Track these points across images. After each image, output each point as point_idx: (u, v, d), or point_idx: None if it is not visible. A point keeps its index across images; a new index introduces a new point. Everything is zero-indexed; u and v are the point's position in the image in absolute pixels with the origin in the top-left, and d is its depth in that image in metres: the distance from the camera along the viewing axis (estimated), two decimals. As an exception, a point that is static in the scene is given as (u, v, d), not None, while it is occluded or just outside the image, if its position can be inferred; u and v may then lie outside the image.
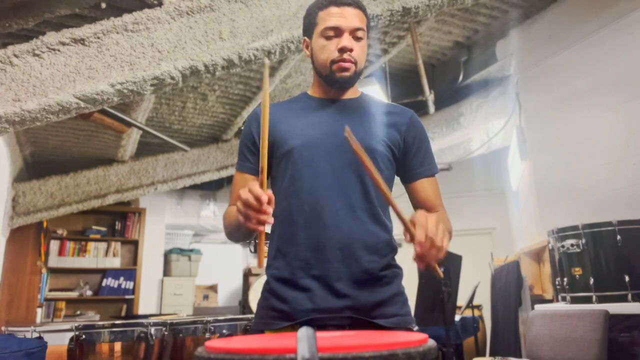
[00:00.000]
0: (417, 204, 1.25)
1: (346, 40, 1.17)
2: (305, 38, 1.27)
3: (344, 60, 1.18)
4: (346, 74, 1.19)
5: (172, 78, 2.17)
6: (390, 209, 1.01)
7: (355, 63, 1.19)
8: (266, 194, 0.92)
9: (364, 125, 1.21)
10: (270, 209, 0.94)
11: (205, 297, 6.38)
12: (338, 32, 1.19)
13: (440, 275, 0.98)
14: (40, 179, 4.20)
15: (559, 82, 3.36)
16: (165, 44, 2.17)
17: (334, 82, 1.21)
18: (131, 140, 4.21)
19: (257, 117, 1.26)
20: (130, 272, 5.63)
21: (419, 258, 0.91)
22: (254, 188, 0.93)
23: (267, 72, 1.00)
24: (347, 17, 1.19)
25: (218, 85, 3.80)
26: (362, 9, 1.23)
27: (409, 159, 1.25)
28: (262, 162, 0.95)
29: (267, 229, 0.97)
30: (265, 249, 1.19)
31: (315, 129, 1.20)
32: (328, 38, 1.20)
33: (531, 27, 3.61)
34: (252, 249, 2.65)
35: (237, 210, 0.96)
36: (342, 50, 1.17)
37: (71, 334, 2.16)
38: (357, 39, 1.20)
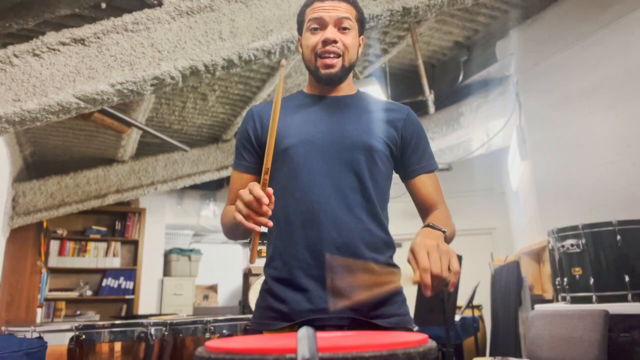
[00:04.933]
0: (418, 201, 1.24)
1: (329, 32, 1.17)
2: (299, 37, 1.28)
3: (328, 54, 1.17)
4: (331, 70, 1.18)
5: (172, 78, 2.17)
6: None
7: (341, 56, 1.18)
8: (267, 196, 0.92)
9: (361, 122, 1.20)
10: (269, 211, 0.94)
11: (205, 297, 6.38)
12: (322, 23, 1.19)
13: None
14: (40, 179, 4.20)
15: (559, 82, 3.36)
16: (165, 44, 2.17)
17: (320, 78, 1.21)
18: (131, 140, 4.21)
19: (253, 115, 1.26)
20: (130, 272, 5.63)
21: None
22: (255, 189, 0.92)
23: (283, 73, 0.99)
24: (330, 9, 1.19)
25: (218, 85, 3.80)
26: (349, 1, 1.23)
27: (407, 156, 1.24)
28: (266, 163, 0.95)
29: (263, 228, 0.97)
30: (264, 247, 1.17)
31: (311, 126, 1.19)
32: (313, 31, 1.20)
33: (531, 27, 3.61)
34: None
35: (236, 209, 0.96)
36: (325, 42, 1.17)
37: (71, 334, 2.15)
38: (344, 29, 1.19)
